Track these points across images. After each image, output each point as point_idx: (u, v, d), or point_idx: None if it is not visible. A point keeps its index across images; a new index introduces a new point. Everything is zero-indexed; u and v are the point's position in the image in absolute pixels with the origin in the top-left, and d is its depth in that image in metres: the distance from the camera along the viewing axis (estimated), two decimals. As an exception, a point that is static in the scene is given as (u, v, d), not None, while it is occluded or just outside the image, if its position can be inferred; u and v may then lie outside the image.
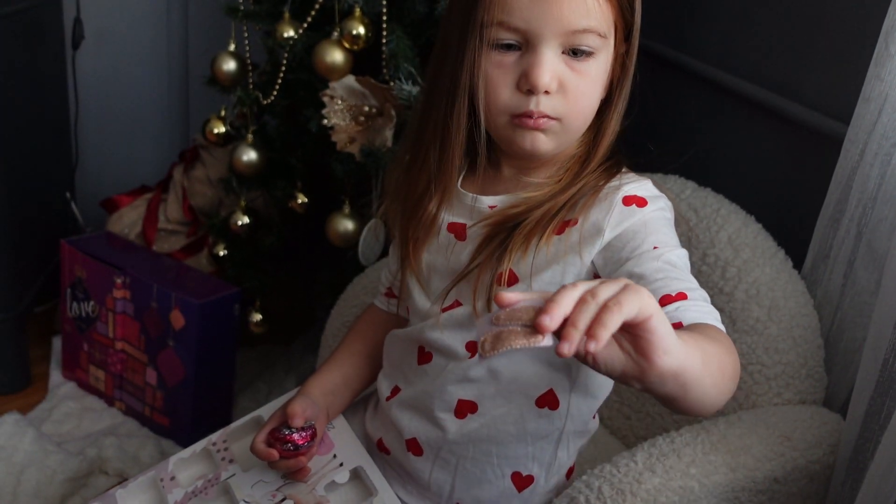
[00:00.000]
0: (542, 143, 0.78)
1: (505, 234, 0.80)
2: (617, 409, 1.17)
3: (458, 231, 0.85)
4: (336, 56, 1.28)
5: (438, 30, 0.86)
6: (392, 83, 1.24)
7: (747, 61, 1.28)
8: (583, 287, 0.53)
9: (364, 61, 1.31)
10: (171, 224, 1.76)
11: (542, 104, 0.76)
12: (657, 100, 1.48)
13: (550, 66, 0.75)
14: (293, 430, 0.86)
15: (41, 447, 1.42)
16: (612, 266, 0.76)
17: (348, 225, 1.36)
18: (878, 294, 0.88)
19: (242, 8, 1.44)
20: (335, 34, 1.29)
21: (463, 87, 0.78)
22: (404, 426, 0.88)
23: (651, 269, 0.72)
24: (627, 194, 0.78)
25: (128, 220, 1.78)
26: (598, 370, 0.56)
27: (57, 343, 1.76)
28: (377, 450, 0.93)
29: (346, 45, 1.28)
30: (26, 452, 1.41)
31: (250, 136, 1.47)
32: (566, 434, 0.85)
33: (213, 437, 0.96)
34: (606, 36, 0.76)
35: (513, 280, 0.79)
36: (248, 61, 1.47)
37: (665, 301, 0.69)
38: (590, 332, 0.51)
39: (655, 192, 0.80)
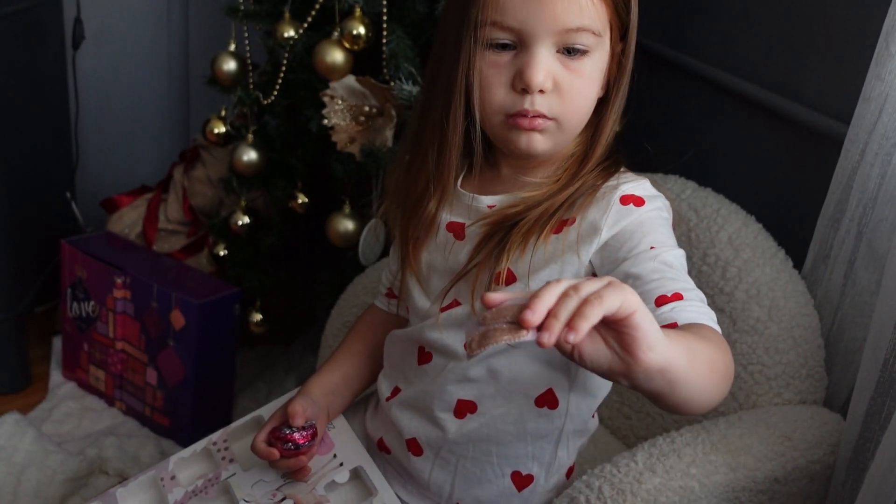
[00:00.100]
0: (538, 143, 0.78)
1: (503, 233, 0.80)
2: (617, 409, 1.17)
3: (457, 230, 0.85)
4: (336, 56, 1.28)
5: (436, 30, 0.86)
6: (392, 83, 1.24)
7: (747, 61, 1.28)
8: (566, 283, 0.55)
9: (364, 61, 1.31)
10: (171, 224, 1.76)
11: (538, 103, 0.76)
12: (657, 99, 1.48)
13: (545, 65, 0.75)
14: (294, 429, 0.86)
15: (41, 447, 1.42)
16: (609, 266, 0.76)
17: (348, 225, 1.36)
18: (878, 294, 0.88)
19: (243, 8, 1.44)
20: (335, 34, 1.29)
21: (459, 87, 0.78)
22: (404, 426, 0.88)
23: (647, 269, 0.72)
24: (625, 193, 0.78)
25: (128, 220, 1.78)
26: (585, 366, 0.57)
27: (57, 343, 1.76)
28: (378, 449, 0.93)
29: (347, 45, 1.28)
30: (26, 452, 1.41)
31: (251, 136, 1.47)
32: (566, 433, 0.85)
33: (214, 436, 0.96)
34: (601, 34, 0.76)
35: (511, 279, 0.79)
36: (249, 61, 1.47)
37: (661, 301, 0.69)
38: (570, 324, 0.52)
39: (653, 191, 0.80)
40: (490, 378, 0.83)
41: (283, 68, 1.40)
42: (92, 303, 1.59)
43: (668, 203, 0.81)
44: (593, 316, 0.52)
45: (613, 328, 0.55)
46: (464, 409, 0.84)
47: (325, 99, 1.30)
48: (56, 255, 1.71)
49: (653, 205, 0.78)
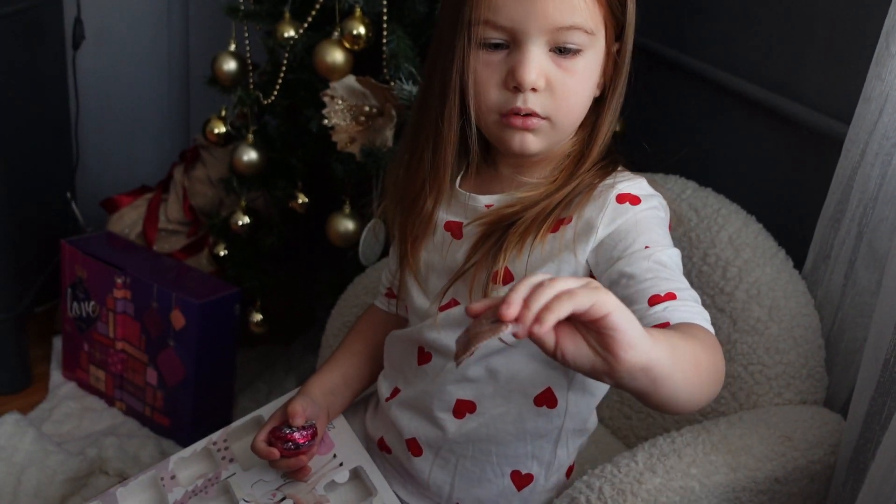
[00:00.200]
0: (532, 143, 0.79)
1: (499, 233, 0.80)
2: (618, 409, 1.17)
3: (455, 230, 0.85)
4: (336, 56, 1.28)
5: (434, 29, 0.86)
6: (392, 83, 1.24)
7: (747, 61, 1.28)
8: (542, 276, 0.56)
9: (364, 61, 1.31)
10: (171, 224, 1.76)
11: (530, 101, 0.76)
12: (657, 99, 1.48)
13: (537, 63, 0.75)
14: (294, 429, 0.87)
15: (41, 447, 1.42)
16: (604, 265, 0.76)
17: (349, 225, 1.36)
18: (878, 294, 0.88)
19: (243, 8, 1.44)
20: (336, 34, 1.29)
21: (453, 86, 0.79)
22: (404, 426, 0.88)
23: (641, 268, 0.72)
24: (621, 192, 0.78)
25: (128, 220, 1.78)
26: (569, 366, 0.58)
27: (57, 343, 1.76)
28: (378, 449, 0.93)
29: (347, 45, 1.28)
30: (27, 452, 1.41)
31: (251, 136, 1.47)
32: (565, 432, 0.85)
33: (214, 436, 0.96)
34: (594, 33, 0.76)
35: (508, 278, 0.79)
36: (249, 61, 1.47)
37: (654, 301, 0.69)
38: (537, 316, 0.53)
39: (650, 190, 0.80)
40: (489, 378, 0.83)
41: (284, 68, 1.40)
42: (92, 303, 1.59)
43: (664, 202, 0.81)
44: (561, 310, 0.53)
45: (593, 329, 0.56)
46: (463, 408, 0.84)
47: (326, 99, 1.30)
48: (56, 255, 1.71)
49: (648, 203, 0.78)
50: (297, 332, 1.81)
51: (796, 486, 0.89)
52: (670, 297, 0.70)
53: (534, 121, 0.77)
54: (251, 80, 1.47)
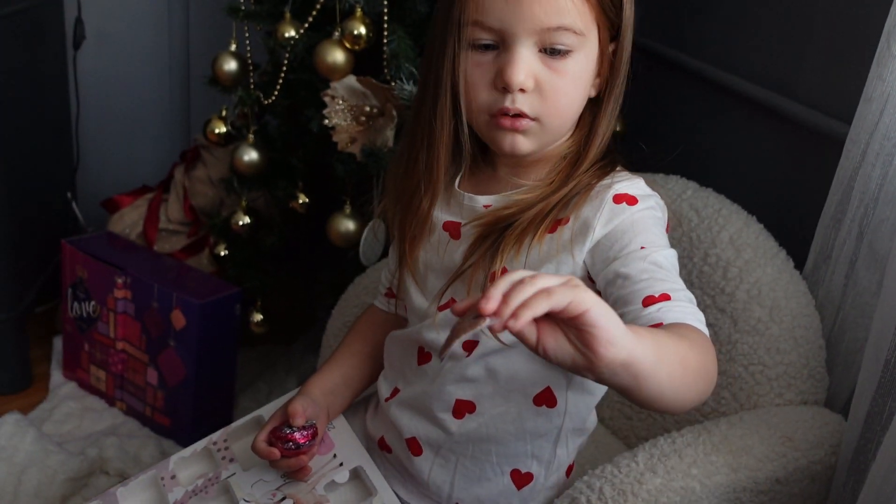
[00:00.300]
0: (522, 144, 0.79)
1: (496, 235, 0.80)
2: (618, 409, 1.17)
3: (453, 230, 0.85)
4: (337, 56, 1.28)
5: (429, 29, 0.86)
6: (393, 83, 1.24)
7: (747, 61, 1.28)
8: (523, 273, 0.57)
9: (365, 61, 1.31)
10: (172, 224, 1.76)
11: (519, 102, 0.76)
12: (657, 99, 1.48)
13: (525, 64, 0.75)
14: (294, 428, 0.87)
15: (42, 447, 1.42)
16: (600, 265, 0.76)
17: (349, 225, 1.36)
18: (879, 295, 0.88)
19: (243, 8, 1.44)
20: (336, 34, 1.29)
21: (444, 86, 0.79)
22: (404, 426, 0.88)
23: (637, 269, 0.72)
24: (618, 192, 0.78)
25: (129, 220, 1.78)
26: (550, 361, 0.58)
27: (58, 343, 1.76)
28: (378, 448, 0.93)
29: (348, 45, 1.28)
30: (27, 452, 1.41)
31: (251, 136, 1.47)
32: (564, 432, 0.85)
33: (214, 436, 0.96)
34: (584, 34, 0.76)
35: None
36: (250, 61, 1.47)
37: (648, 302, 0.70)
38: (514, 312, 0.54)
39: (647, 190, 0.80)
40: (488, 377, 0.83)
41: (284, 68, 1.40)
42: (92, 303, 1.59)
43: (662, 203, 0.81)
44: (537, 308, 0.54)
45: (573, 325, 0.56)
46: (462, 408, 0.84)
47: (326, 99, 1.30)
48: (57, 255, 1.71)
49: (645, 204, 0.78)
50: (298, 332, 1.81)
51: (797, 487, 0.88)
52: (665, 297, 0.70)
53: (523, 122, 0.77)
54: (252, 80, 1.47)
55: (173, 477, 0.92)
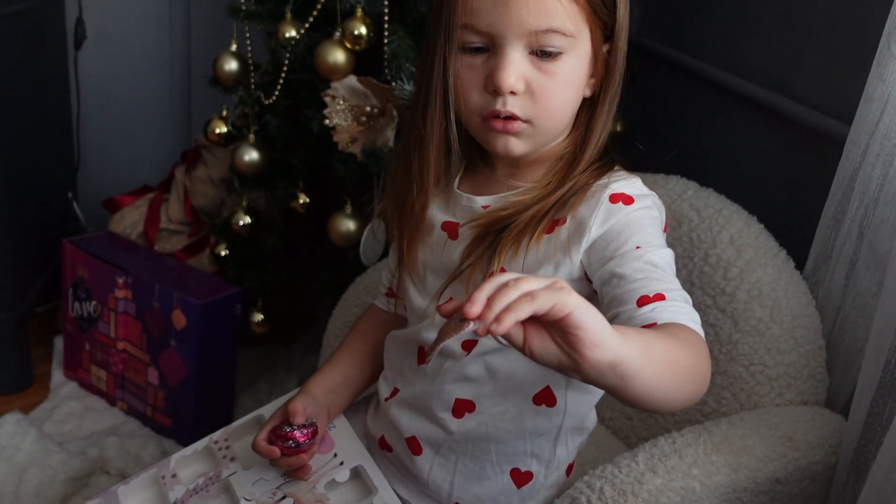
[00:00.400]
0: (515, 145, 0.79)
1: (493, 236, 0.80)
2: (619, 409, 1.17)
3: (451, 230, 0.85)
4: (338, 56, 1.28)
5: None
6: (394, 83, 1.24)
7: (747, 61, 1.29)
8: (508, 276, 0.57)
9: (366, 61, 1.31)
10: (172, 224, 1.76)
11: (510, 104, 0.76)
12: (657, 99, 1.48)
13: (515, 67, 0.75)
14: (295, 427, 0.87)
15: (43, 447, 1.42)
16: (596, 265, 0.76)
17: (350, 225, 1.36)
18: (879, 295, 0.88)
19: (244, 8, 1.44)
20: (337, 34, 1.29)
21: (435, 88, 0.79)
22: (404, 425, 0.88)
23: (632, 269, 0.72)
24: (614, 192, 0.78)
25: (129, 220, 1.79)
26: (537, 362, 0.58)
27: (58, 343, 1.76)
28: (379, 448, 0.93)
29: (348, 46, 1.28)
30: (28, 452, 1.41)
31: (252, 137, 1.47)
32: (564, 431, 0.86)
33: (215, 435, 0.96)
34: (575, 35, 0.76)
35: None
36: (250, 61, 1.47)
37: (643, 302, 0.69)
38: (497, 316, 0.54)
39: (644, 190, 0.80)
40: (488, 377, 0.83)
41: (285, 68, 1.40)
42: (93, 303, 1.59)
43: (659, 202, 0.81)
44: (521, 312, 0.54)
45: (558, 327, 0.56)
46: (462, 408, 0.84)
47: (327, 99, 1.30)
48: (57, 254, 1.71)
49: (642, 203, 0.78)
50: (299, 331, 1.81)
51: (797, 487, 0.89)
52: (659, 297, 0.70)
53: (515, 124, 0.77)
54: (252, 80, 1.47)
55: (174, 475, 0.92)
